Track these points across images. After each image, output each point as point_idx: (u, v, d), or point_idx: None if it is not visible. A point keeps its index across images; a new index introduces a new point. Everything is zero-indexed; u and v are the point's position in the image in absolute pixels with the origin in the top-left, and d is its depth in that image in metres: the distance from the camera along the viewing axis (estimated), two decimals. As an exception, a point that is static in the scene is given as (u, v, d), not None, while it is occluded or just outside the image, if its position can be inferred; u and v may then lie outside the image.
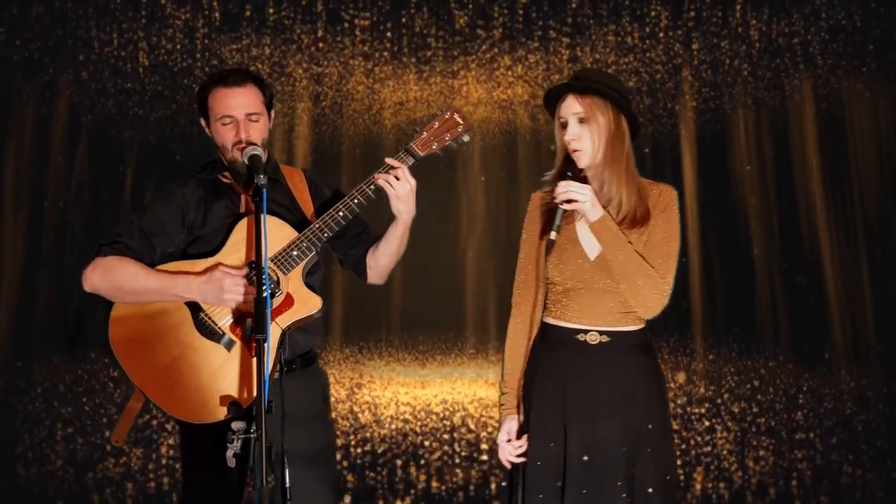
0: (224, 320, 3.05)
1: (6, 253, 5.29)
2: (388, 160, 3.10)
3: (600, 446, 2.96)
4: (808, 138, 5.37)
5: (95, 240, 3.18)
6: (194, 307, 3.06)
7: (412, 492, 5.29)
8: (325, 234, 3.08)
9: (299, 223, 3.16)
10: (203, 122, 3.23)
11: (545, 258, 3.01)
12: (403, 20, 5.44)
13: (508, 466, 3.08)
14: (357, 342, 5.38)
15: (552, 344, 3.04)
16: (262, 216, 2.89)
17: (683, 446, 5.28)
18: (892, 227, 5.32)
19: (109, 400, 5.27)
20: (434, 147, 3.15)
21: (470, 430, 5.34)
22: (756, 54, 5.41)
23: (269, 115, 3.25)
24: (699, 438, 5.32)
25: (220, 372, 3.02)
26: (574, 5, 5.42)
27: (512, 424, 3.07)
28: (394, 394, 5.37)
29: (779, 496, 5.26)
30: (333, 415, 5.16)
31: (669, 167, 5.38)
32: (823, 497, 5.26)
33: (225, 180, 3.21)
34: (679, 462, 5.17)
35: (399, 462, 5.31)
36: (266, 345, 2.73)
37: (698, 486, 5.27)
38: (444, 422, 5.34)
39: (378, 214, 3.23)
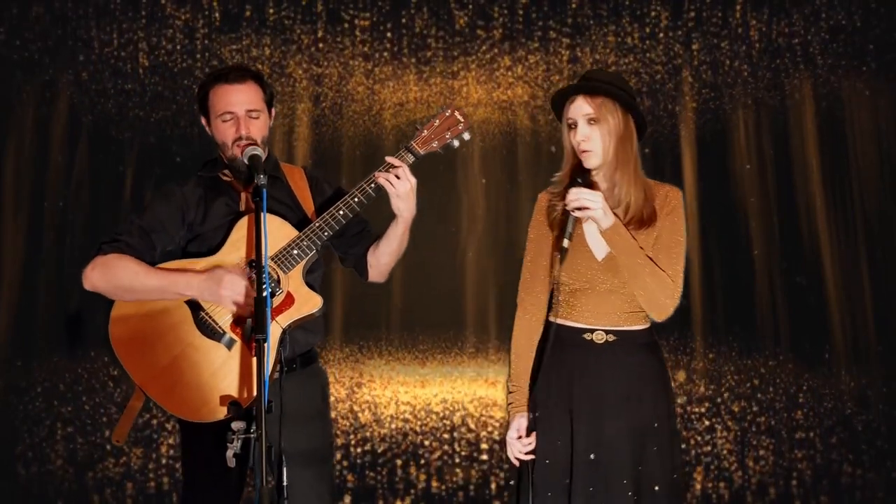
0: (225, 319, 3.05)
1: (6, 253, 5.29)
2: (389, 158, 3.10)
3: (606, 445, 2.98)
4: (808, 138, 5.37)
5: (95, 239, 3.17)
6: (195, 306, 3.06)
7: (412, 492, 5.29)
8: (326, 233, 3.08)
9: (300, 221, 3.16)
10: (203, 120, 3.23)
11: (559, 265, 3.01)
12: (403, 20, 5.44)
13: (517, 464, 3.09)
14: (357, 341, 5.38)
15: (558, 343, 3.04)
16: (262, 216, 2.89)
17: (683, 446, 5.28)
18: (892, 227, 5.32)
19: (109, 399, 5.27)
20: (435, 145, 3.15)
21: (470, 430, 5.34)
22: (756, 54, 5.42)
23: (270, 113, 3.25)
24: (699, 438, 5.32)
25: (221, 371, 3.02)
26: (574, 5, 5.43)
27: (522, 422, 3.08)
28: (394, 393, 5.37)
29: (779, 496, 5.26)
30: (333, 414, 5.18)
31: (669, 167, 5.38)
32: (823, 497, 5.26)
33: (225, 178, 3.22)
34: (679, 462, 5.16)
35: (399, 462, 5.31)
36: (266, 345, 2.73)
37: (698, 486, 5.27)
38: (444, 421, 5.34)
39: (378, 213, 3.24)
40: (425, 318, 5.37)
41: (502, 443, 5.27)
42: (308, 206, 3.23)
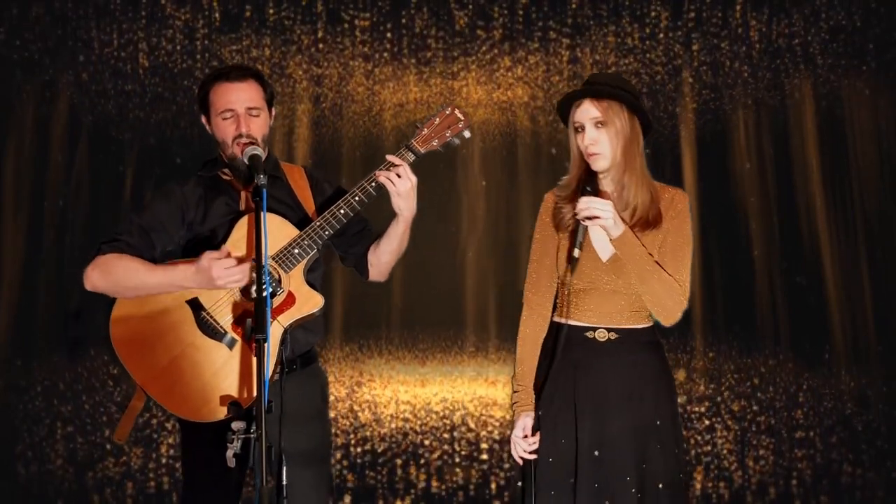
0: (226, 319, 3.05)
1: (6, 253, 5.29)
2: (389, 157, 3.10)
3: (609, 443, 2.98)
4: (808, 138, 5.38)
5: (95, 239, 3.17)
6: (196, 306, 3.06)
7: (412, 491, 5.29)
8: (327, 232, 3.08)
9: (300, 220, 3.16)
10: (204, 118, 3.23)
11: (570, 274, 3.02)
12: (403, 21, 5.45)
13: (521, 463, 3.09)
14: (357, 340, 5.38)
15: (562, 342, 3.05)
16: (262, 216, 2.89)
17: (683, 445, 5.27)
18: (892, 227, 5.33)
19: (109, 398, 5.27)
20: (435, 143, 3.15)
21: (470, 429, 5.34)
22: (756, 55, 5.42)
23: (270, 112, 3.25)
24: (699, 437, 5.32)
25: (222, 371, 3.02)
26: (574, 6, 5.43)
27: (527, 421, 3.08)
28: (394, 392, 5.37)
29: (779, 496, 5.26)
30: (333, 414, 5.18)
31: (669, 168, 5.38)
32: (823, 496, 5.26)
33: (225, 177, 3.21)
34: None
35: (399, 461, 5.31)
36: (266, 345, 2.73)
37: (698, 486, 5.27)
38: (444, 420, 5.34)
39: (379, 212, 3.24)
40: (425, 318, 5.37)
41: (502, 442, 5.27)
42: (308, 205, 3.23)
